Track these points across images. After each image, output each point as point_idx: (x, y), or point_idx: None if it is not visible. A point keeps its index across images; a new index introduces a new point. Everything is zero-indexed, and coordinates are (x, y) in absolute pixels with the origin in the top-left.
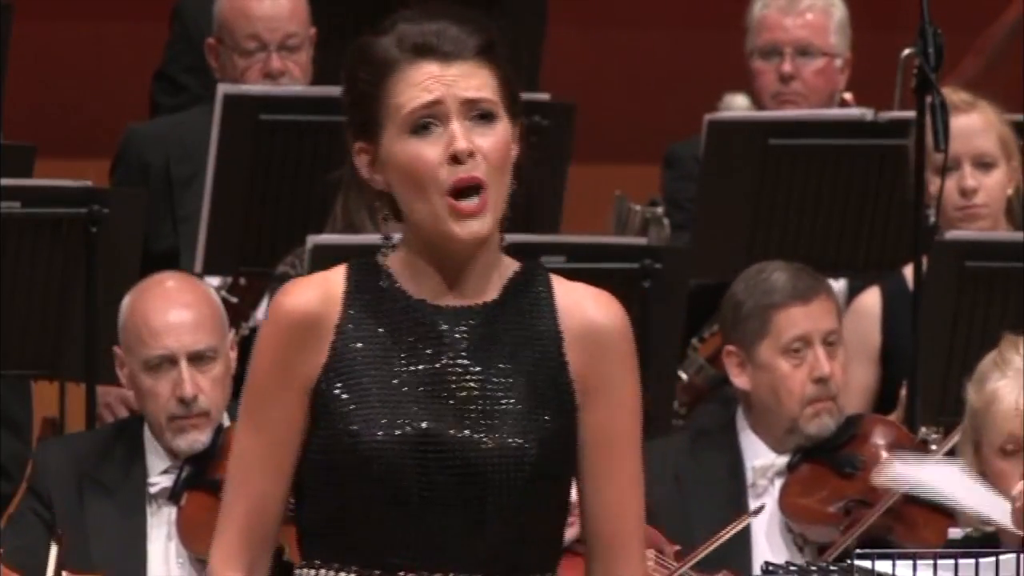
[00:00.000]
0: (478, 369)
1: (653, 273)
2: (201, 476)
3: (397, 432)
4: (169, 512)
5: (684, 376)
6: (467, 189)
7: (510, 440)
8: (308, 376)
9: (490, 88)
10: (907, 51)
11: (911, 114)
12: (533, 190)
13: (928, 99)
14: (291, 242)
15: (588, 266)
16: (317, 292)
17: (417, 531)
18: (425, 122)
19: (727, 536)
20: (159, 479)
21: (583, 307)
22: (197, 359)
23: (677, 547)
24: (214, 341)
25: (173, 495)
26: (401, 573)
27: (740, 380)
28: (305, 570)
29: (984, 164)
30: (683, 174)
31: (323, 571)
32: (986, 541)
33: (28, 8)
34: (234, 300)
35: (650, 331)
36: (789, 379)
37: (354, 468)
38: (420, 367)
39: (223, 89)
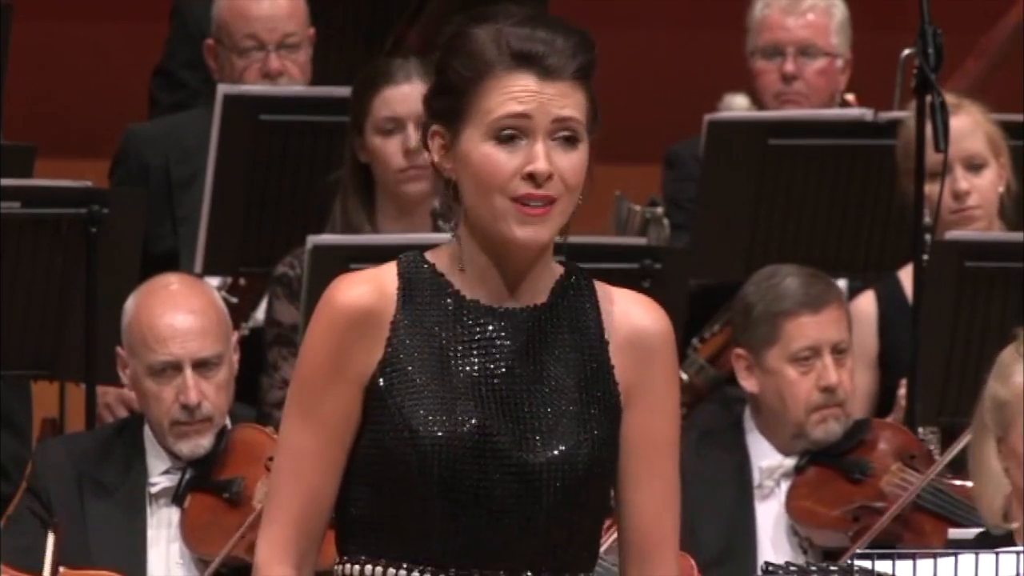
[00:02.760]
0: (530, 372)
1: (653, 273)
2: (204, 478)
3: (457, 430)
4: (170, 513)
5: (684, 376)
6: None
7: (564, 443)
8: (363, 371)
9: (580, 109)
10: (907, 51)
11: (911, 114)
12: None
13: (928, 99)
14: (291, 242)
15: (588, 266)
16: (371, 287)
17: (470, 529)
18: (510, 133)
19: None
20: (159, 479)
21: (629, 313)
22: (202, 365)
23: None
24: (219, 347)
25: (176, 498)
26: (452, 570)
27: (748, 383)
28: (348, 565)
29: (975, 165)
30: (683, 174)
31: (369, 567)
32: (1005, 539)
33: (28, 8)
34: (234, 300)
35: None
36: (796, 386)
37: (411, 465)
38: (474, 367)
39: (223, 89)
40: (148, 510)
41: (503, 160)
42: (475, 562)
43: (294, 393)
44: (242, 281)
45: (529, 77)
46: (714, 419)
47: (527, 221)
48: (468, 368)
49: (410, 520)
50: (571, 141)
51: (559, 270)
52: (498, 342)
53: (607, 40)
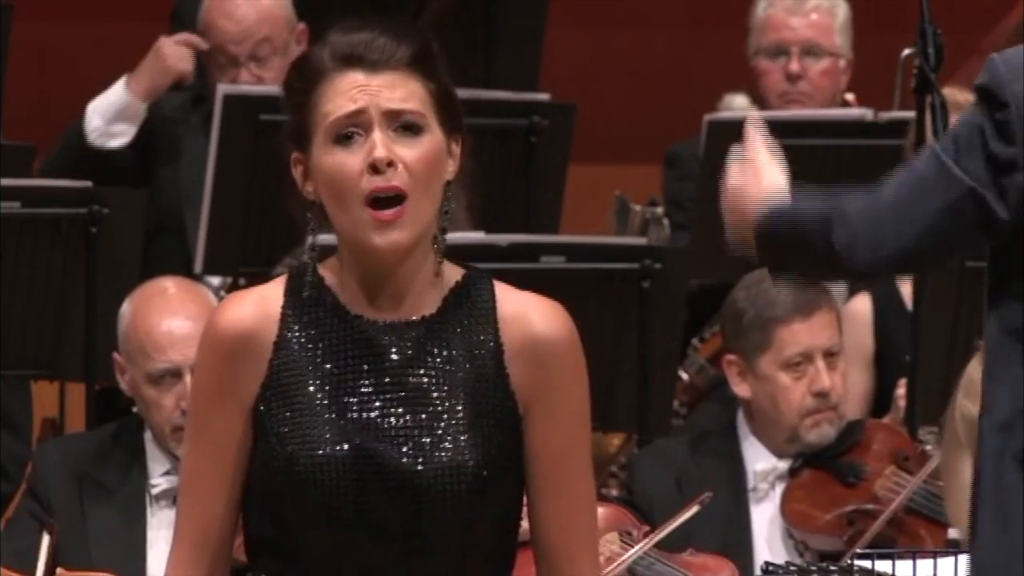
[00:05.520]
0: (417, 386)
1: (653, 273)
2: None
3: (332, 452)
4: (170, 514)
5: (684, 376)
6: (386, 199)
7: (447, 457)
8: (247, 394)
9: (417, 99)
10: (907, 51)
11: (911, 114)
12: (533, 190)
13: (928, 99)
14: (291, 242)
15: (588, 266)
16: (253, 310)
17: (356, 554)
18: (348, 131)
19: (683, 519)
20: (160, 481)
21: (526, 318)
22: None
23: (647, 527)
24: None
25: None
26: None
27: (740, 389)
28: None
29: None
30: (683, 174)
31: None
32: None
33: (28, 8)
34: None
35: (650, 331)
36: (789, 391)
37: (291, 488)
38: (358, 385)
39: (223, 89)
40: (148, 511)
41: (347, 160)
42: None
43: (188, 416)
44: (242, 281)
45: (356, 73)
46: (714, 419)
47: (382, 227)
48: (353, 386)
49: (299, 544)
50: (413, 130)
51: (456, 277)
52: (384, 357)
53: (607, 40)
